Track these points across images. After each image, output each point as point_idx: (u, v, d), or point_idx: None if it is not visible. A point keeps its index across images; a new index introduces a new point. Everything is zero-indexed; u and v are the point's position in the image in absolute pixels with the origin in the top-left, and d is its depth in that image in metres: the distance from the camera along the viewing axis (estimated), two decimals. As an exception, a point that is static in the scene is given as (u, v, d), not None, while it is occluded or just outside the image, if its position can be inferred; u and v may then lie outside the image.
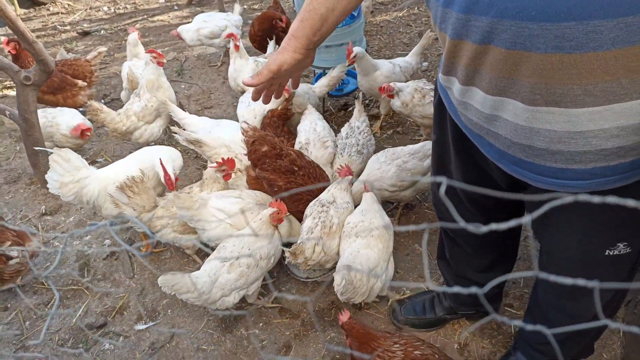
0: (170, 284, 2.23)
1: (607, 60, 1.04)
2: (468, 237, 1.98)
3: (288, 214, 2.54)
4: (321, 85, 3.58)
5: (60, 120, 3.61)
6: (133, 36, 4.20)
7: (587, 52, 1.05)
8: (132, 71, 3.99)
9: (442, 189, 0.58)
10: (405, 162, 2.78)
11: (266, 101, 1.78)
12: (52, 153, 2.75)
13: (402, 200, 2.93)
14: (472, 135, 1.46)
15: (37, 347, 2.62)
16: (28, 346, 2.65)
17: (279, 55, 1.60)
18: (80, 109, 4.37)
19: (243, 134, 2.71)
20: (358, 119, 3.12)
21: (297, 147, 3.08)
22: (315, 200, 2.53)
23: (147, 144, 3.64)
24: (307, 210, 2.50)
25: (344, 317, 1.99)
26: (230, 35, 3.91)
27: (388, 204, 3.10)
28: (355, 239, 2.33)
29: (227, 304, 2.39)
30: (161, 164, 2.77)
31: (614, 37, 1.01)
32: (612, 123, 1.13)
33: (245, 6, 6.20)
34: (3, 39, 4.15)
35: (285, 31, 4.30)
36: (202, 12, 6.15)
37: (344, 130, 3.11)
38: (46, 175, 2.77)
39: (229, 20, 4.68)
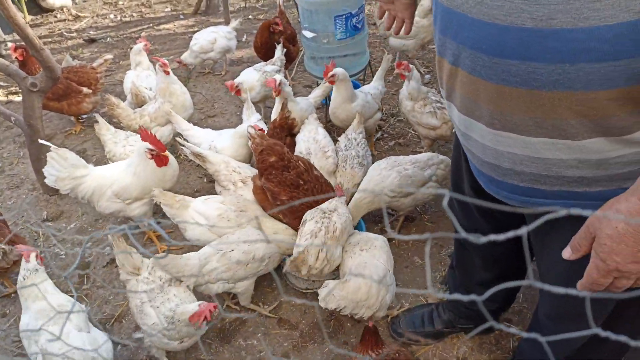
0: (162, 263, 2.33)
1: (552, 99, 1.10)
2: (477, 247, 1.99)
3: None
4: (315, 96, 3.61)
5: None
6: (139, 46, 4.24)
7: (531, 89, 1.11)
8: (135, 85, 4.03)
9: (445, 201, 0.61)
10: (406, 169, 2.80)
11: (387, 26, 1.88)
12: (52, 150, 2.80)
13: (401, 209, 2.93)
14: (467, 152, 1.51)
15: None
16: (25, 354, 2.64)
17: None
18: (85, 115, 4.41)
19: (250, 140, 2.71)
20: (355, 131, 3.13)
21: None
22: (315, 207, 2.50)
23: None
24: (307, 215, 2.44)
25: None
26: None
27: (388, 216, 3.10)
28: (360, 252, 2.32)
29: (210, 291, 2.49)
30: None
31: (554, 80, 1.06)
32: (569, 155, 1.17)
33: (251, 16, 6.27)
34: (10, 45, 4.19)
35: (286, 36, 4.36)
36: (208, 21, 6.23)
37: (342, 141, 3.12)
38: (43, 169, 2.81)
39: (217, 33, 4.76)
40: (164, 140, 3.66)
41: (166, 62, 3.61)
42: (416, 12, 1.90)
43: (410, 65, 3.21)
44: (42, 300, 2.23)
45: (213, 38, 4.71)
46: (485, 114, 1.24)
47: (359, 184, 2.90)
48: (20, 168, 4.02)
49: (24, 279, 2.29)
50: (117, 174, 2.84)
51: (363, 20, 3.69)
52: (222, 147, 3.23)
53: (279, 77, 3.24)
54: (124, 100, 4.20)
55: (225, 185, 3.00)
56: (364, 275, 2.15)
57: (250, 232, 2.63)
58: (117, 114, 3.61)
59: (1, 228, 2.80)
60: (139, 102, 4.04)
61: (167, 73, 3.59)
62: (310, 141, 3.08)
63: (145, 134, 2.73)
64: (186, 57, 4.68)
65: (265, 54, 4.45)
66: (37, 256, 2.32)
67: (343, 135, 3.15)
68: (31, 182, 3.81)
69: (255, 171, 3.01)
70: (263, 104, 4.15)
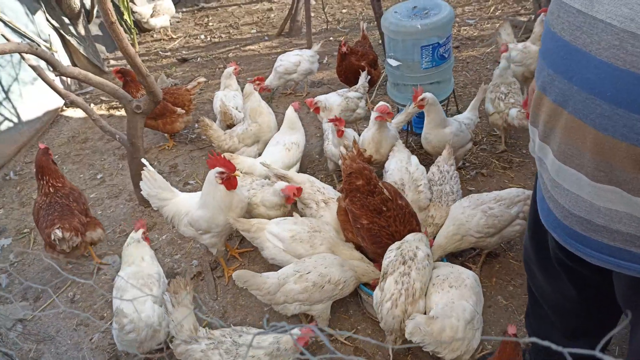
0: (243, 279, 2.50)
1: None
2: (550, 300, 1.90)
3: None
4: (398, 121, 3.62)
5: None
6: (229, 70, 4.51)
7: None
8: (224, 104, 4.28)
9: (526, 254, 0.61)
10: (491, 208, 2.72)
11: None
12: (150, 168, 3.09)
13: (486, 248, 2.85)
14: (539, 197, 1.44)
15: (128, 356, 2.83)
16: (119, 355, 2.86)
17: None
18: (185, 131, 4.74)
19: (341, 159, 2.81)
20: (447, 162, 3.07)
21: None
22: (395, 249, 2.44)
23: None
24: (389, 266, 2.37)
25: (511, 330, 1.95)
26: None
27: (470, 250, 3.03)
28: (449, 290, 2.28)
29: (287, 311, 2.59)
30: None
31: None
32: None
33: (332, 38, 6.41)
34: (113, 68, 4.62)
35: (367, 60, 4.44)
36: (291, 42, 6.45)
37: (435, 174, 3.05)
38: (140, 183, 3.09)
39: (302, 55, 4.93)
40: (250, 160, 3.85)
41: (262, 78, 3.87)
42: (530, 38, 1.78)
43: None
44: (135, 265, 2.72)
45: (297, 60, 4.89)
46: (589, 164, 1.16)
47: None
48: (119, 179, 4.38)
49: (127, 245, 2.81)
50: (191, 204, 2.98)
51: (450, 50, 3.66)
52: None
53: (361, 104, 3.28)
54: (212, 118, 4.47)
55: (307, 204, 3.09)
56: (451, 317, 2.11)
57: (326, 256, 2.70)
58: (209, 134, 3.86)
59: (69, 216, 3.15)
60: (227, 120, 4.28)
61: (263, 90, 3.86)
62: (403, 171, 3.03)
63: (214, 158, 2.79)
64: (271, 80, 4.89)
65: (346, 78, 4.54)
66: (143, 232, 2.82)
67: (435, 167, 3.11)
68: (128, 193, 4.14)
69: (338, 194, 3.08)
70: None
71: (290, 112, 3.71)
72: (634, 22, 1.00)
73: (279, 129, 3.85)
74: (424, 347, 2.13)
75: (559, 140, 1.24)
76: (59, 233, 2.98)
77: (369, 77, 4.26)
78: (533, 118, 1.37)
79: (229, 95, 4.46)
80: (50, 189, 3.26)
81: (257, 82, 3.85)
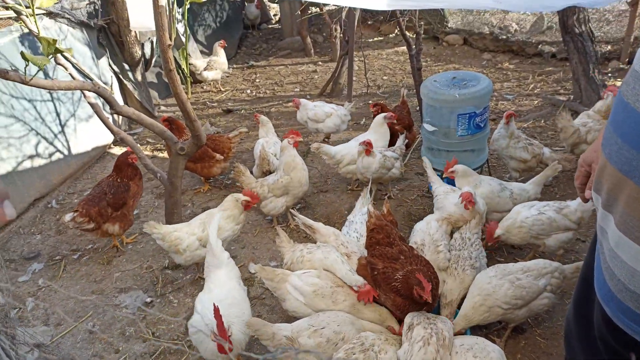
0: (255, 328, 2.47)
1: None
2: None
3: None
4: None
5: None
6: (264, 118, 4.84)
7: None
8: (264, 149, 4.46)
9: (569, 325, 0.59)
10: (518, 279, 2.65)
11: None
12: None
13: (512, 322, 2.75)
14: (597, 268, 1.39)
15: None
16: (129, 392, 2.83)
17: None
18: (221, 176, 4.92)
19: (367, 216, 2.90)
20: (470, 230, 3.07)
21: (413, 246, 3.01)
22: (418, 312, 2.47)
23: (269, 214, 4.08)
24: (413, 319, 2.41)
25: None
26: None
27: (495, 323, 2.92)
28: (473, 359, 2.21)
29: None
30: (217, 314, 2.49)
31: None
32: None
33: (371, 101, 6.63)
34: (161, 116, 4.92)
35: (404, 125, 4.62)
36: (331, 102, 6.71)
37: (456, 239, 3.07)
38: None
39: (335, 110, 5.18)
40: (276, 210, 3.98)
41: (298, 133, 4.01)
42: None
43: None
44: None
45: (330, 112, 5.14)
46: None
47: (467, 287, 2.80)
48: (153, 216, 4.52)
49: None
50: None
51: (486, 120, 3.74)
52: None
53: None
54: (250, 166, 4.63)
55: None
56: None
57: (338, 313, 2.66)
58: (241, 180, 4.00)
59: (94, 203, 3.76)
60: (264, 166, 4.43)
61: (297, 145, 3.98)
62: (426, 233, 3.10)
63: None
64: (299, 115, 5.29)
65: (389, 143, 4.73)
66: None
67: (458, 233, 3.11)
68: (160, 231, 4.25)
69: (361, 247, 3.08)
70: (375, 186, 4.29)
71: (379, 118, 4.36)
72: None
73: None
74: None
75: (622, 211, 1.22)
76: (67, 217, 3.67)
77: (407, 140, 4.36)
78: (597, 186, 1.37)
79: (270, 142, 4.66)
80: (111, 177, 3.97)
81: (293, 136, 3.97)
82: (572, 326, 1.81)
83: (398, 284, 2.54)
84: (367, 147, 3.95)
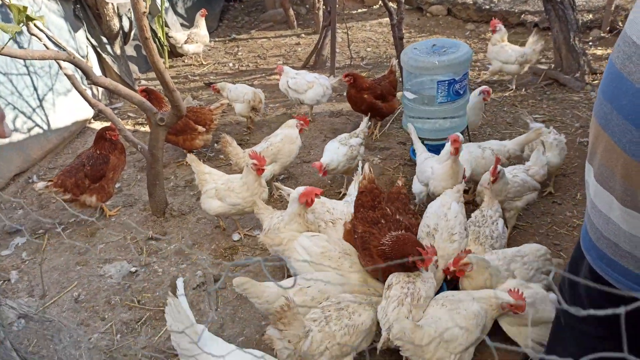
0: (242, 286, 2.50)
1: None
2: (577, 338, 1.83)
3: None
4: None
5: None
6: (221, 84, 5.11)
7: None
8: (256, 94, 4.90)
9: (551, 275, 0.63)
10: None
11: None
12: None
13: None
14: (584, 223, 1.45)
15: (123, 359, 2.85)
16: (116, 357, 2.89)
17: None
18: (204, 149, 4.90)
19: (362, 176, 2.91)
20: (491, 207, 3.01)
21: (423, 229, 2.85)
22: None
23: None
24: (392, 279, 2.46)
25: None
26: None
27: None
28: (440, 307, 2.31)
29: None
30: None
31: None
32: None
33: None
34: (140, 82, 4.86)
35: (375, 95, 4.62)
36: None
37: (477, 216, 3.00)
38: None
39: (318, 79, 5.12)
40: (265, 178, 3.95)
41: (307, 121, 4.17)
42: None
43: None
44: None
45: (312, 80, 5.10)
46: (619, 188, 1.19)
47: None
48: (135, 189, 4.52)
49: None
50: None
51: (466, 87, 3.76)
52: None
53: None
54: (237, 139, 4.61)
55: (315, 223, 3.14)
56: (430, 327, 2.14)
57: (330, 274, 2.72)
58: (228, 151, 4.00)
59: (71, 174, 3.78)
60: (256, 102, 4.94)
61: (301, 132, 4.14)
62: (441, 217, 2.82)
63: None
64: (281, 81, 5.23)
65: (357, 108, 4.84)
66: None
67: (478, 211, 3.06)
68: (143, 203, 4.26)
69: (347, 214, 3.12)
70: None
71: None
72: None
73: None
74: (402, 352, 2.19)
75: (599, 162, 1.27)
76: (39, 185, 3.70)
77: (370, 123, 4.35)
78: (589, 147, 1.41)
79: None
80: (91, 149, 3.97)
81: (302, 122, 4.11)
82: (566, 283, 1.86)
83: (386, 247, 2.52)
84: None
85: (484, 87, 4.16)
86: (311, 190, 2.98)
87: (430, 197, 3.24)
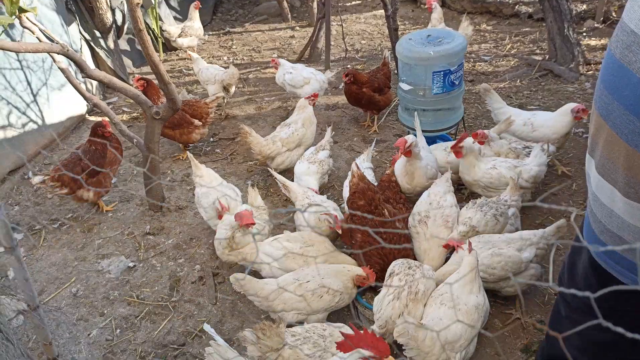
0: (241, 283, 2.49)
1: None
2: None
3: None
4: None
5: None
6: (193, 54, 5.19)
7: None
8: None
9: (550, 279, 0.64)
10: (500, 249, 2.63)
11: None
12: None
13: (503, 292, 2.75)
14: (586, 214, 1.44)
15: (123, 354, 2.86)
16: (115, 352, 2.89)
17: None
18: (200, 143, 4.88)
19: (351, 176, 2.92)
20: (512, 195, 3.00)
21: (415, 217, 2.92)
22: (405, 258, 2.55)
23: (287, 169, 4.14)
24: (394, 268, 2.49)
25: None
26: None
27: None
28: (439, 306, 2.29)
29: (284, 319, 2.57)
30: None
31: None
32: None
33: (349, 66, 6.59)
34: (134, 77, 4.83)
35: (372, 88, 4.64)
36: (309, 67, 6.64)
37: (491, 199, 3.00)
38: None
39: (315, 75, 5.06)
40: (292, 163, 4.05)
41: (316, 94, 4.32)
42: None
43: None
44: None
45: (308, 77, 5.04)
46: (622, 180, 1.17)
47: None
48: (132, 184, 4.50)
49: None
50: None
51: (461, 78, 3.76)
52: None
53: (411, 137, 3.17)
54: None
55: None
56: (427, 328, 2.15)
57: (321, 267, 2.74)
58: (249, 141, 4.04)
59: (68, 168, 3.72)
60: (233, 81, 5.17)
61: (313, 104, 4.26)
62: (434, 205, 2.90)
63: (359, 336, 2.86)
64: (277, 74, 5.17)
65: (356, 103, 4.85)
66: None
67: (496, 197, 3.06)
68: (140, 198, 4.24)
69: (328, 204, 3.21)
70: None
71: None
72: None
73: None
74: (405, 352, 2.17)
75: (600, 154, 1.26)
76: (35, 179, 3.67)
77: (333, 132, 4.35)
78: (591, 147, 1.39)
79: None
80: (87, 144, 3.91)
81: (312, 97, 4.24)
82: (565, 274, 1.88)
83: (371, 264, 2.68)
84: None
85: (577, 105, 3.57)
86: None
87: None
